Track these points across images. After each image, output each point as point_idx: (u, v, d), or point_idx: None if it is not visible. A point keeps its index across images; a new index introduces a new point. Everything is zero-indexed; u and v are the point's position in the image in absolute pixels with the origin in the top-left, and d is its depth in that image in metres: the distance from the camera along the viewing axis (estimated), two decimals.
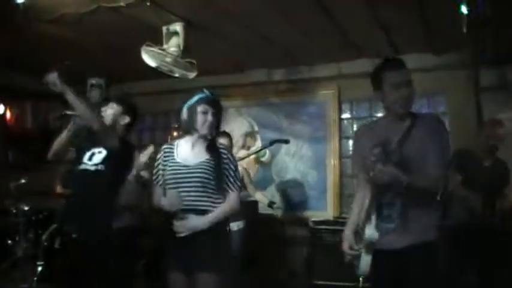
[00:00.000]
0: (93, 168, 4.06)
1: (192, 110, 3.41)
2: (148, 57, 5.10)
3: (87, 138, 4.30)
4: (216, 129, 3.42)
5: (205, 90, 3.46)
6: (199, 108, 3.38)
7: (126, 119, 4.33)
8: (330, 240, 5.96)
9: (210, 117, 3.37)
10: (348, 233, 3.27)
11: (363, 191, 3.31)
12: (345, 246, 3.22)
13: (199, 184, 3.31)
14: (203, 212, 3.30)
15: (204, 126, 3.37)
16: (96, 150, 4.12)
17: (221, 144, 3.53)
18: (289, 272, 6.70)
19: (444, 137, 3.16)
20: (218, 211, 3.32)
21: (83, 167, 4.10)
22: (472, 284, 4.86)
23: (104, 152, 4.10)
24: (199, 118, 3.38)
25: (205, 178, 3.31)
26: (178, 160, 3.43)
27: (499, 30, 4.76)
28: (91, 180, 4.05)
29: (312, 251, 6.30)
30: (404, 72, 3.14)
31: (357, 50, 6.23)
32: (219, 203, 3.35)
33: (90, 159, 4.10)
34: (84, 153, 4.15)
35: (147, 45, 5.07)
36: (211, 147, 3.40)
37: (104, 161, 4.07)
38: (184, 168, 3.37)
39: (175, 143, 3.54)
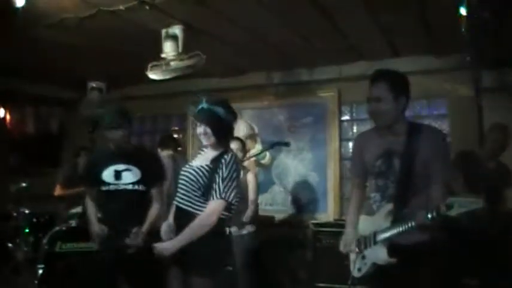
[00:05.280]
0: (129, 187, 4.04)
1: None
2: (157, 75, 5.17)
3: (99, 157, 4.27)
4: (217, 140, 3.41)
5: (202, 101, 3.45)
6: (195, 121, 3.48)
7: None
8: (331, 242, 5.95)
9: (202, 130, 3.40)
10: (348, 230, 3.31)
11: (357, 194, 3.41)
12: (342, 245, 3.28)
13: (187, 184, 3.36)
14: (186, 213, 3.32)
15: (201, 138, 3.44)
16: (119, 167, 4.05)
17: (230, 152, 3.47)
18: (290, 275, 6.69)
19: (446, 152, 3.16)
20: (188, 229, 3.27)
21: (112, 188, 4.04)
22: (470, 287, 4.86)
23: (136, 170, 4.06)
24: (197, 130, 3.48)
25: (192, 180, 3.33)
26: (192, 162, 3.53)
27: (499, 32, 4.76)
28: (129, 200, 4.03)
29: (313, 253, 6.29)
30: (377, 87, 3.09)
31: (357, 52, 6.23)
32: (204, 208, 3.33)
33: (118, 178, 4.05)
34: (101, 171, 4.07)
35: (151, 67, 5.14)
36: (217, 157, 3.39)
37: (141, 180, 4.06)
38: (187, 168, 3.46)
39: (206, 149, 3.57)
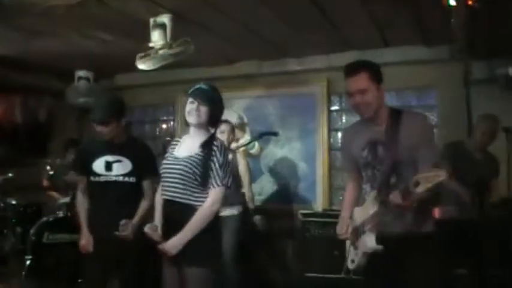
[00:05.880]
0: (120, 179, 3.99)
1: (185, 102, 3.45)
2: (145, 65, 5.13)
3: (90, 147, 4.21)
4: (208, 120, 3.40)
5: (201, 84, 3.47)
6: (188, 99, 3.41)
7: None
8: (320, 232, 5.96)
9: (195, 106, 3.36)
10: (343, 214, 3.35)
11: (350, 186, 3.47)
12: (338, 228, 3.29)
13: (180, 177, 3.30)
14: (183, 206, 3.29)
15: (189, 115, 3.39)
16: (109, 158, 3.99)
17: (218, 139, 3.47)
18: (279, 265, 6.70)
19: (430, 136, 3.17)
20: (192, 222, 3.25)
21: (103, 179, 3.99)
22: (459, 277, 4.89)
23: (127, 162, 4.01)
24: (187, 107, 3.41)
25: (188, 172, 3.29)
26: (174, 153, 3.47)
27: (489, 23, 4.76)
28: (120, 192, 3.98)
29: (302, 243, 6.29)
30: (357, 79, 3.08)
31: (347, 42, 6.22)
32: (203, 199, 3.31)
33: (108, 169, 4.00)
34: (92, 162, 4.03)
35: (139, 57, 5.08)
36: (206, 142, 3.37)
37: (132, 172, 4.02)
38: (173, 160, 3.41)
39: (184, 137, 3.57)
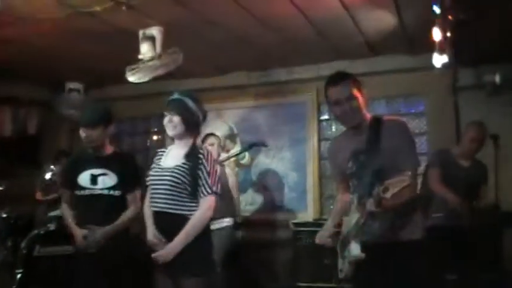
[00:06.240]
0: (105, 192, 3.95)
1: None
2: (135, 77, 5.14)
3: (76, 160, 4.20)
4: (185, 129, 3.39)
5: (174, 93, 3.48)
6: (165, 111, 3.42)
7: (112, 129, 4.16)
8: (311, 241, 5.97)
9: (168, 118, 3.38)
10: (328, 223, 3.35)
11: (340, 198, 3.45)
12: (318, 234, 3.29)
13: (169, 187, 3.30)
14: (175, 217, 3.29)
15: (166, 127, 3.41)
16: (95, 172, 3.96)
17: (204, 148, 3.50)
18: (270, 274, 6.70)
19: (410, 141, 3.18)
20: (186, 230, 3.25)
21: (88, 192, 3.95)
22: (449, 282, 4.92)
23: (112, 175, 3.97)
24: (164, 121, 3.42)
25: (176, 182, 3.29)
26: (161, 163, 3.46)
27: (475, 31, 4.81)
28: (105, 205, 3.94)
29: (293, 252, 6.30)
30: (344, 87, 3.11)
31: (335, 51, 6.26)
32: (195, 208, 3.32)
33: (93, 182, 3.96)
34: (78, 175, 3.99)
35: (129, 69, 5.10)
36: (190, 151, 3.38)
37: (117, 185, 3.98)
38: (160, 171, 3.41)
39: (170, 147, 3.57)
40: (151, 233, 3.34)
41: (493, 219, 5.04)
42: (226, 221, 5.30)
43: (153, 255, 3.28)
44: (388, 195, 2.62)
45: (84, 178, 3.97)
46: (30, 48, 5.67)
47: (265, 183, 7.31)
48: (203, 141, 5.38)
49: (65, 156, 6.29)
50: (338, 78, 3.16)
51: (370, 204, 2.81)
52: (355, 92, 3.09)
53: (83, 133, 3.94)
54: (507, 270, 5.26)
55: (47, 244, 5.39)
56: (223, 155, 5.73)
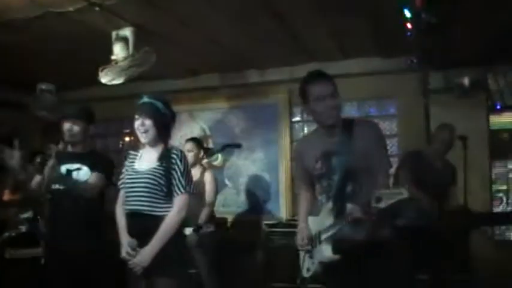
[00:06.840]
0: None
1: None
2: (107, 78, 5.11)
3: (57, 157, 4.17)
4: (157, 132, 3.42)
5: (144, 96, 3.48)
6: (136, 115, 3.44)
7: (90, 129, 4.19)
8: (284, 242, 6.01)
9: (140, 122, 3.40)
10: (302, 225, 3.36)
11: (304, 196, 3.54)
12: (299, 239, 3.31)
13: (145, 189, 3.33)
14: (149, 218, 3.31)
15: (139, 132, 3.43)
16: (70, 167, 3.95)
17: (177, 149, 3.51)
18: (245, 276, 6.70)
19: (382, 142, 3.24)
20: (160, 232, 3.28)
21: (62, 187, 3.93)
22: (420, 283, 4.98)
23: (86, 169, 3.96)
24: (135, 124, 3.44)
25: (152, 184, 3.32)
26: (135, 166, 3.47)
27: (445, 35, 4.89)
28: (77, 198, 3.91)
29: (266, 253, 6.33)
30: (327, 83, 3.15)
31: (308, 54, 6.31)
32: (170, 208, 3.35)
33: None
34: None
35: (101, 70, 5.07)
36: (164, 153, 3.41)
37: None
38: (135, 174, 3.43)
39: (142, 150, 3.57)
40: (124, 249, 3.33)
41: (463, 219, 5.11)
42: (206, 228, 5.32)
43: (129, 263, 3.28)
44: (382, 205, 2.63)
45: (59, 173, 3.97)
46: (1, 48, 5.60)
47: (238, 185, 7.34)
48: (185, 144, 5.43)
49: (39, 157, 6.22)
50: (321, 75, 3.20)
51: (356, 211, 2.84)
52: (336, 90, 3.13)
53: (66, 125, 3.97)
54: (476, 270, 5.36)
55: (18, 246, 5.34)
56: (205, 160, 5.74)
